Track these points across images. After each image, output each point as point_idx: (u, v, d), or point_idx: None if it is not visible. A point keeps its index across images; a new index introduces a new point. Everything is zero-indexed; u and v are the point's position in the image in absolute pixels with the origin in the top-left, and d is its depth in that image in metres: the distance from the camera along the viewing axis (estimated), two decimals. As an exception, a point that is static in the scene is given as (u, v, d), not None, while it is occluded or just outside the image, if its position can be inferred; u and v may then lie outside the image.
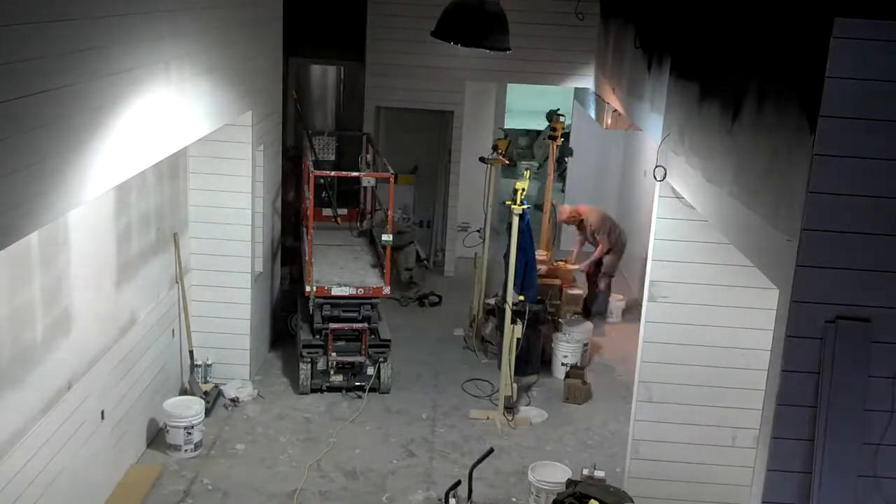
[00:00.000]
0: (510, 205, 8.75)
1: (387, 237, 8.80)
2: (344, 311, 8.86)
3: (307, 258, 9.06)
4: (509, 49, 7.36)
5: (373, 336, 9.01)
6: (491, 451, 7.01)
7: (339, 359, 8.92)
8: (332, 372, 8.99)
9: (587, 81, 11.85)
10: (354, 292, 8.84)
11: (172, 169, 8.13)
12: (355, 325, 8.87)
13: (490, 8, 7.16)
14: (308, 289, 8.81)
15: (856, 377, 4.00)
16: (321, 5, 11.96)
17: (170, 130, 6.02)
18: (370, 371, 8.99)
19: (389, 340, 9.04)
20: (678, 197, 6.35)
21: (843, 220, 3.85)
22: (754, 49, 4.81)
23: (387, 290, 8.87)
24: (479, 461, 6.87)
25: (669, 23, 6.90)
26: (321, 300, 8.84)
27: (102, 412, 6.78)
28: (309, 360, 8.93)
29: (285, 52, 10.03)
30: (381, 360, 9.00)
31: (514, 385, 8.89)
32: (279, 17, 9.61)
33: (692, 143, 5.78)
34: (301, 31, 11.76)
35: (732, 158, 4.90)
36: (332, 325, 8.84)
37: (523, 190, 8.71)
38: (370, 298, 8.90)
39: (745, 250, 4.77)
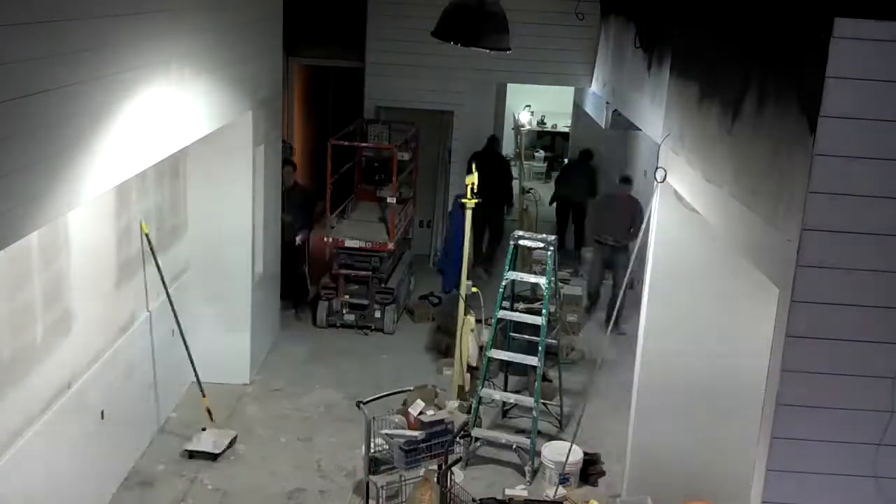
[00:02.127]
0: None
1: (391, 199, 10.43)
2: (356, 262, 10.34)
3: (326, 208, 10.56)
4: (509, 49, 7.34)
5: (381, 284, 10.41)
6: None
7: (351, 300, 10.38)
8: (344, 312, 10.43)
9: (587, 81, 11.85)
10: (364, 245, 10.30)
11: (172, 169, 8.13)
12: (362, 273, 10.33)
13: (490, 8, 7.14)
14: (327, 238, 10.32)
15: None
16: (321, 5, 11.96)
17: (170, 130, 6.02)
18: (377, 314, 10.40)
19: (393, 289, 10.43)
20: (678, 197, 6.35)
21: (843, 220, 3.85)
22: (754, 49, 4.81)
23: (391, 245, 10.31)
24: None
25: (669, 23, 6.90)
26: (337, 250, 10.28)
27: (102, 412, 6.78)
28: (327, 299, 10.45)
29: (285, 52, 10.04)
30: (386, 303, 10.37)
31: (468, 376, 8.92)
32: (279, 17, 9.61)
33: (692, 143, 5.78)
34: (301, 30, 11.77)
35: (732, 158, 4.90)
36: (343, 271, 10.32)
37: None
38: (377, 252, 10.32)
39: (745, 250, 4.77)
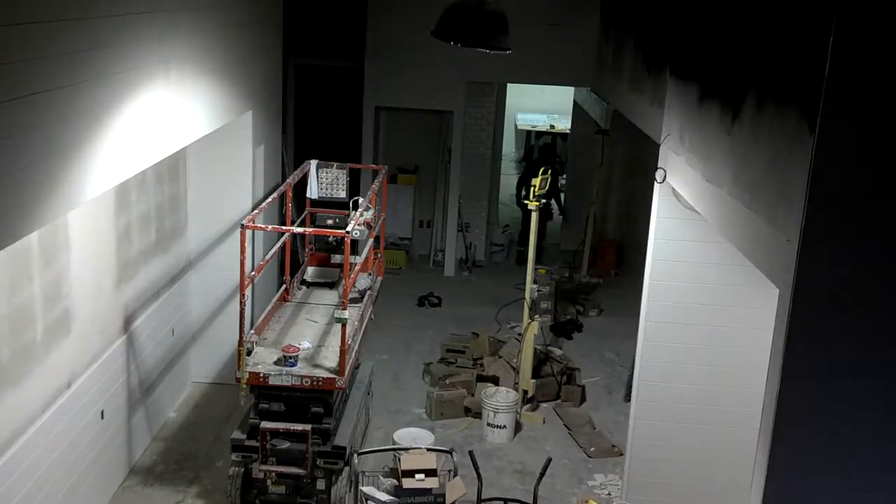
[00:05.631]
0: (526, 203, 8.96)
1: (341, 314, 6.77)
2: (288, 406, 6.76)
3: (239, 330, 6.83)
4: (509, 49, 7.34)
5: (325, 442, 6.79)
6: (549, 461, 6.64)
7: (276, 469, 6.71)
8: (270, 483, 6.80)
9: (587, 81, 11.84)
10: (300, 383, 6.69)
11: (172, 169, 8.13)
12: (296, 427, 6.66)
13: (490, 8, 7.14)
14: (238, 374, 6.69)
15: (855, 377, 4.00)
16: (321, 5, 11.96)
17: (170, 130, 6.02)
18: (320, 486, 6.84)
19: (345, 448, 6.80)
20: (678, 197, 6.36)
21: (843, 219, 3.85)
22: (754, 49, 4.81)
23: (340, 381, 6.68)
24: (542, 476, 6.46)
25: (669, 23, 6.90)
26: (258, 389, 6.73)
27: (102, 412, 6.78)
28: (243, 465, 6.81)
29: (285, 52, 10.03)
30: (334, 469, 6.80)
31: (534, 382, 8.93)
32: (279, 17, 9.62)
33: (692, 143, 5.78)
34: (301, 31, 11.77)
35: (732, 159, 4.90)
36: (268, 425, 6.65)
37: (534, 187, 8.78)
38: (319, 392, 6.71)
39: (745, 250, 4.76)
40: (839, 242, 3.87)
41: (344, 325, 6.71)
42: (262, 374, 6.66)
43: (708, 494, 6.92)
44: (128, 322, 7.26)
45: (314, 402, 6.73)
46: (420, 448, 6.68)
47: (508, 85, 14.31)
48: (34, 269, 5.71)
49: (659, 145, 6.66)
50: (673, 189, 6.36)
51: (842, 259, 3.89)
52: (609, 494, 7.63)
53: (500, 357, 9.48)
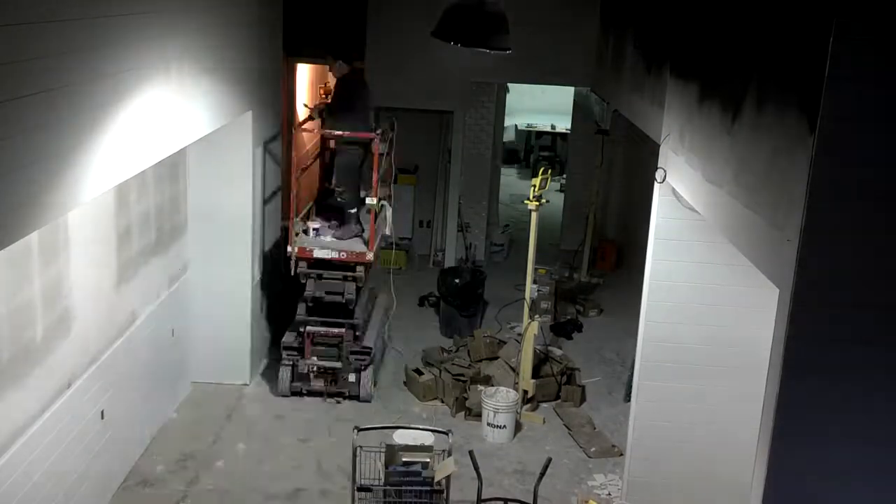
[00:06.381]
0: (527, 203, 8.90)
1: (371, 201, 8.61)
2: (328, 293, 8.69)
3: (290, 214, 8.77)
4: (509, 49, 7.34)
5: (355, 339, 8.87)
6: (549, 461, 6.62)
7: (319, 363, 8.82)
8: (312, 376, 8.89)
9: (587, 81, 11.84)
10: (338, 256, 8.63)
11: (172, 169, 8.13)
12: (333, 331, 8.76)
13: (490, 8, 7.14)
14: (290, 248, 8.64)
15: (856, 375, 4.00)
16: (321, 5, 11.95)
17: (170, 130, 6.02)
18: (351, 378, 8.89)
19: (370, 348, 8.91)
20: (678, 197, 6.36)
21: (843, 219, 3.85)
22: (754, 49, 4.81)
23: (370, 255, 8.62)
24: (542, 476, 6.47)
25: (669, 23, 6.90)
26: (304, 263, 8.64)
27: (102, 412, 6.78)
28: (290, 363, 8.88)
29: (285, 52, 10.03)
30: (361, 367, 8.88)
31: (534, 382, 8.92)
32: (279, 17, 9.61)
33: (692, 143, 5.78)
34: (301, 31, 11.76)
35: (732, 158, 4.90)
36: (311, 328, 8.76)
37: (534, 187, 8.76)
38: (355, 264, 8.66)
39: (745, 250, 4.77)
40: (839, 242, 3.87)
41: (373, 211, 8.61)
42: (308, 248, 8.64)
43: (708, 494, 6.92)
44: (128, 322, 7.26)
45: (347, 287, 8.62)
46: (418, 427, 6.93)
47: (508, 85, 14.30)
48: (34, 269, 5.71)
49: (659, 145, 6.66)
50: (673, 189, 6.36)
51: (842, 259, 3.89)
52: (609, 494, 7.64)
53: (497, 357, 9.48)
